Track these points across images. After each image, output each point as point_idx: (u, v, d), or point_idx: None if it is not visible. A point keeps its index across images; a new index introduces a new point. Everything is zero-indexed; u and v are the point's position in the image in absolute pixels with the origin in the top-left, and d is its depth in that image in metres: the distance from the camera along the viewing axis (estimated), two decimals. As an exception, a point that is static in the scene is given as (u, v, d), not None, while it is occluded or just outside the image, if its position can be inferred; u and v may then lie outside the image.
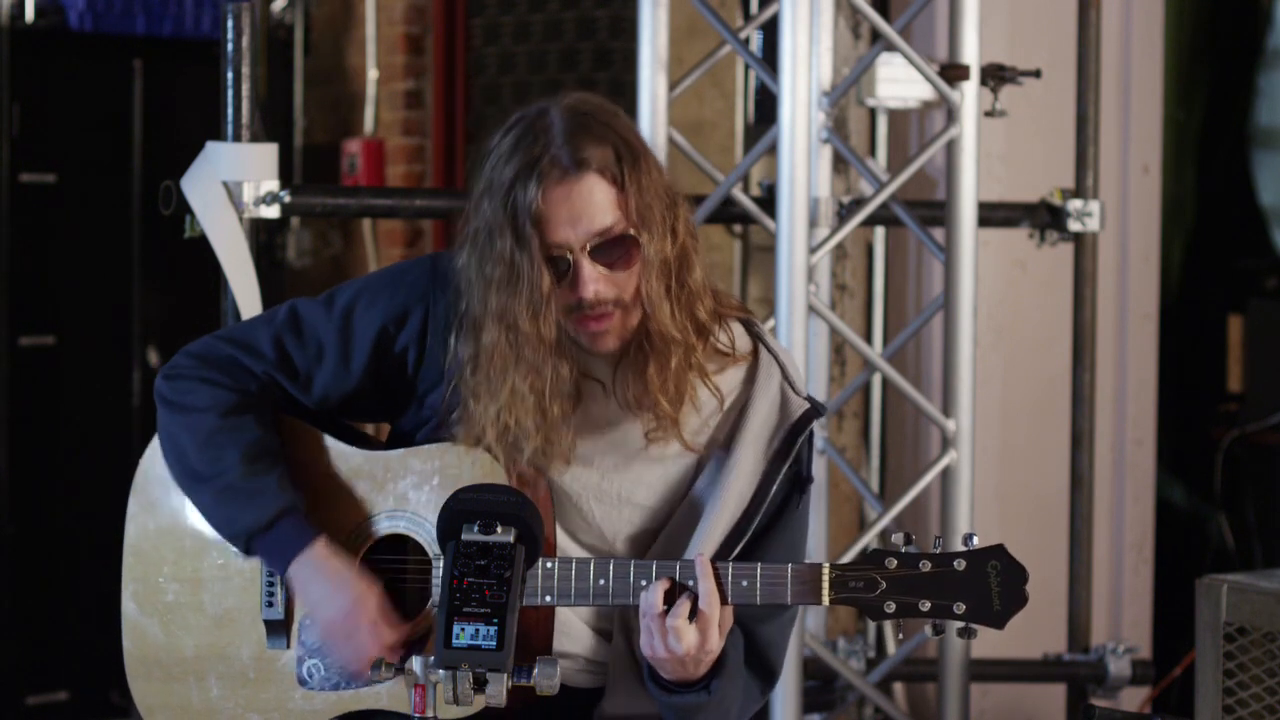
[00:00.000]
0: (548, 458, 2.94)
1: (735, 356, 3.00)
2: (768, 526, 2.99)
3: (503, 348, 2.91)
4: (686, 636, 2.80)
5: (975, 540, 2.79)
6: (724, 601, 2.82)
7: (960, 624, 2.78)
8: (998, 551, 2.78)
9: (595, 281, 2.88)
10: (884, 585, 2.78)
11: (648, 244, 2.89)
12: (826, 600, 2.79)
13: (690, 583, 2.82)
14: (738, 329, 3.03)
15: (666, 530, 2.99)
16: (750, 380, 3.00)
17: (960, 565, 2.77)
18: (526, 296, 2.88)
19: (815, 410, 2.99)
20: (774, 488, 2.96)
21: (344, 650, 2.96)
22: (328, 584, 2.94)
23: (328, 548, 2.96)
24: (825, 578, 2.79)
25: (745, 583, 2.82)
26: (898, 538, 2.81)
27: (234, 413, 3.00)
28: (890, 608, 2.79)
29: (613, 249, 2.88)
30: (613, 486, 2.99)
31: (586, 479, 2.99)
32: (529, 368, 2.90)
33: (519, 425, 2.92)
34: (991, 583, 2.77)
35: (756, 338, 3.04)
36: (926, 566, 2.78)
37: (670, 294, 2.92)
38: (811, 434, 3.00)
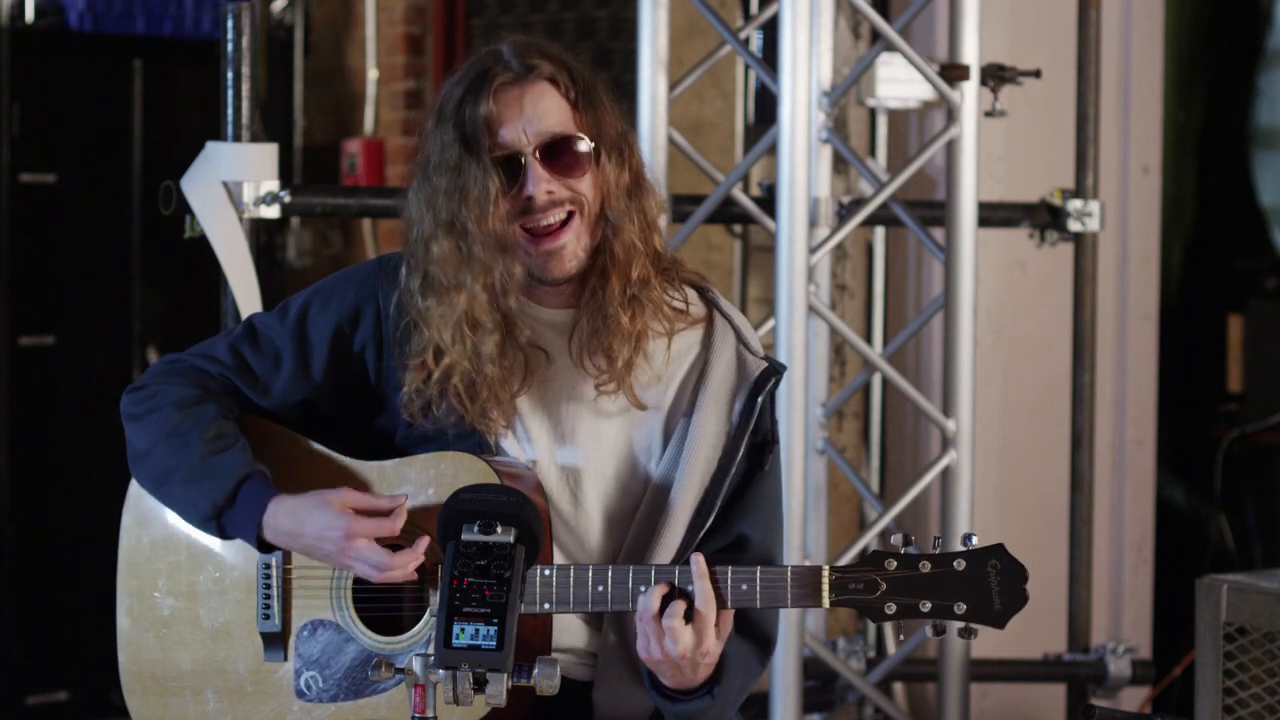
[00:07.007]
0: (506, 382, 2.92)
1: (691, 317, 3.00)
2: (739, 492, 2.98)
3: (453, 255, 2.90)
4: (683, 638, 2.78)
5: (975, 540, 2.79)
6: (723, 605, 2.80)
7: (961, 624, 2.78)
8: (997, 551, 2.77)
9: (544, 180, 2.88)
10: (884, 587, 2.77)
11: (604, 156, 2.91)
12: (827, 603, 2.78)
13: (688, 586, 2.81)
14: (692, 293, 3.03)
15: (641, 508, 2.98)
16: (706, 343, 3.00)
17: (960, 565, 2.77)
18: (475, 198, 2.87)
19: (774, 368, 2.98)
20: (739, 452, 2.95)
21: (368, 557, 2.86)
22: (307, 515, 2.88)
23: (290, 496, 2.90)
24: (825, 580, 2.79)
25: (745, 586, 2.81)
26: (897, 539, 2.80)
27: (193, 404, 2.98)
28: (891, 609, 2.78)
29: (563, 152, 2.89)
30: (579, 458, 2.97)
31: (552, 456, 2.97)
32: (481, 266, 2.90)
33: (477, 327, 2.90)
34: (992, 582, 2.76)
35: (711, 303, 3.04)
36: (926, 567, 2.77)
37: (630, 217, 2.93)
38: (774, 396, 3.00)
